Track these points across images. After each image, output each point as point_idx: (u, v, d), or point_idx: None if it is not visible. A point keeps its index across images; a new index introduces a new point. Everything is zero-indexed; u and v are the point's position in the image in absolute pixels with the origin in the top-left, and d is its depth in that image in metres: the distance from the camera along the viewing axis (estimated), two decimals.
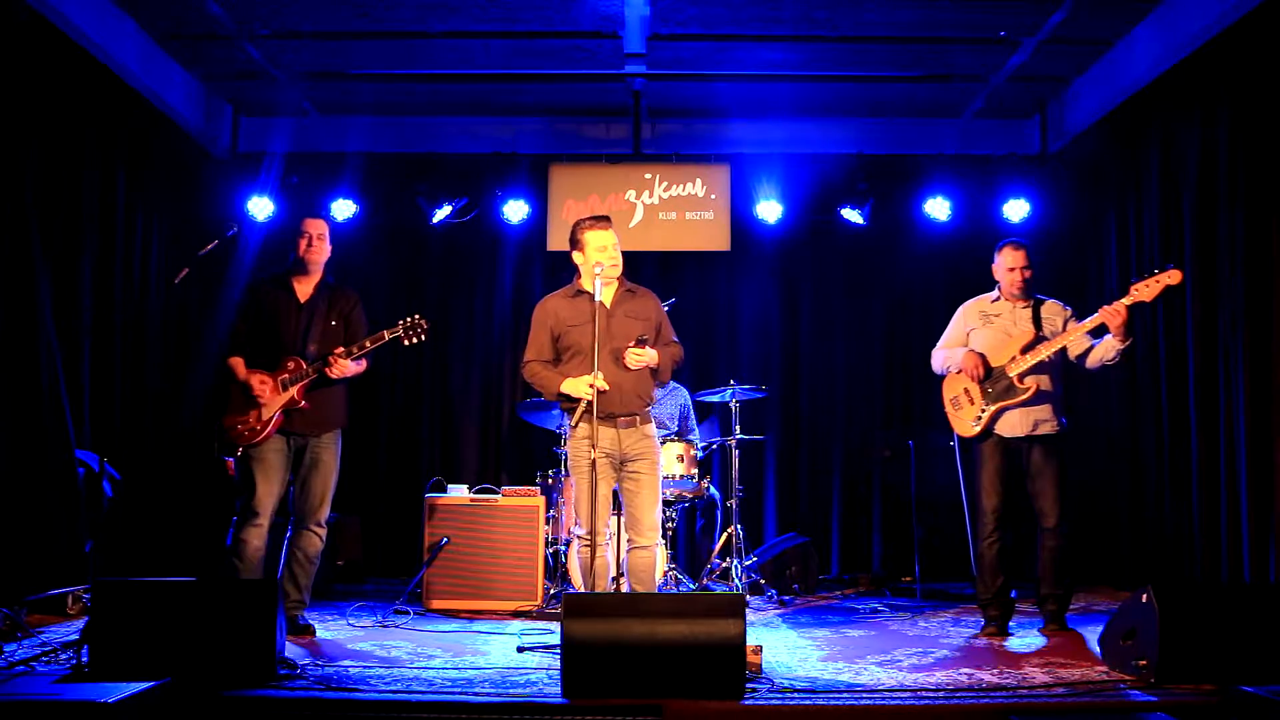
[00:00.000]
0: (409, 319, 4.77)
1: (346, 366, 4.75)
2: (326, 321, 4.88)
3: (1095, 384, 6.39)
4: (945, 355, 5.15)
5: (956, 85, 6.70)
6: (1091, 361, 4.85)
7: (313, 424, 4.80)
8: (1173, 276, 4.53)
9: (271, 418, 4.72)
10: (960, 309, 5.21)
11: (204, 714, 3.40)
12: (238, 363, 4.81)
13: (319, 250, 4.90)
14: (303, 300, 4.89)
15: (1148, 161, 6.14)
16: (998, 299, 5.08)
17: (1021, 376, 4.84)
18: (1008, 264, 5.02)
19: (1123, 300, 4.61)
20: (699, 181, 7.12)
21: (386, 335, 4.76)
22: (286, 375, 4.75)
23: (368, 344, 4.76)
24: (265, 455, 4.71)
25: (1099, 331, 4.79)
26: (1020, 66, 6.32)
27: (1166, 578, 5.78)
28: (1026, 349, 4.85)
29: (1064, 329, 4.90)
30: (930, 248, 7.23)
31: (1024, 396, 4.84)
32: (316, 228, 4.91)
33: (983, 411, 4.92)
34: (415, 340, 4.77)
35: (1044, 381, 4.90)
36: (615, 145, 7.26)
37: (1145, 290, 4.57)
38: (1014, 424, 4.90)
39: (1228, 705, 3.42)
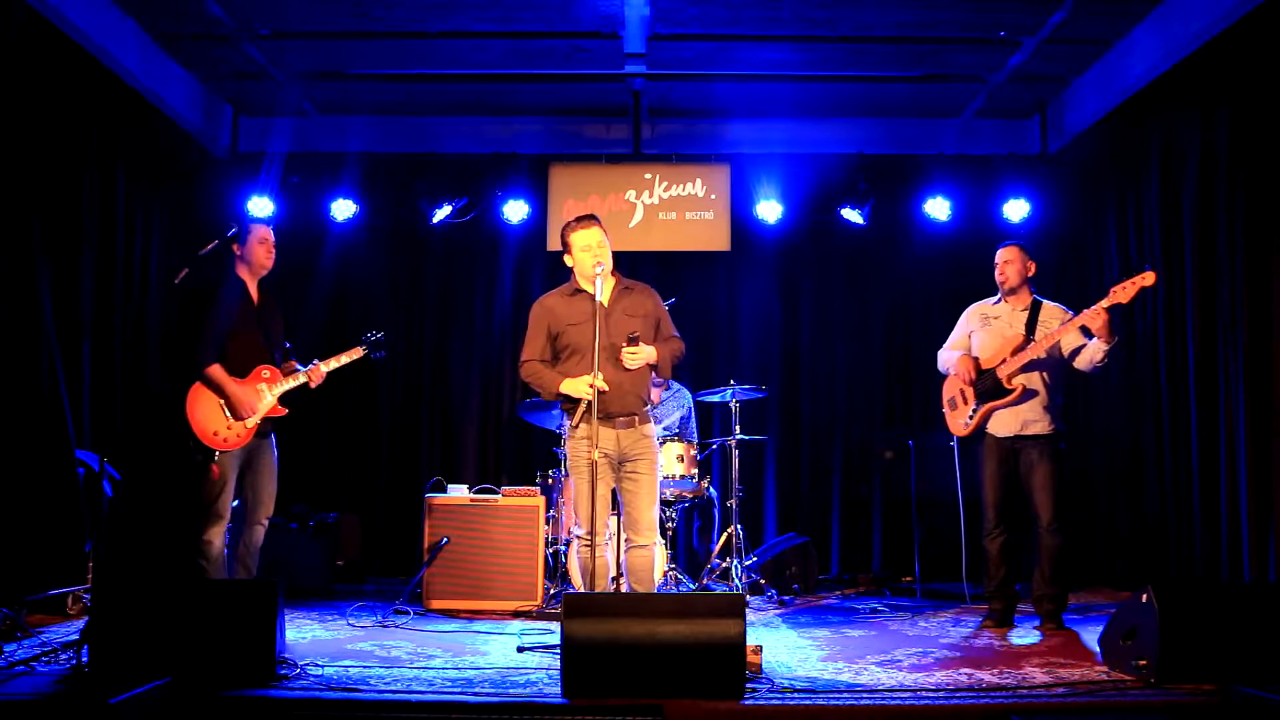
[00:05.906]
0: (372, 335, 5.12)
1: (323, 377, 4.95)
2: (272, 322, 5.02)
3: (1095, 384, 6.39)
4: (945, 358, 5.27)
5: (956, 85, 6.70)
6: (1080, 363, 4.90)
7: (263, 428, 4.89)
8: (1146, 279, 4.62)
9: (254, 426, 4.80)
10: (965, 312, 5.30)
11: (204, 714, 3.40)
12: (219, 371, 4.75)
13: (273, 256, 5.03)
14: (256, 302, 4.97)
15: (1148, 162, 6.14)
16: (998, 301, 5.17)
17: (1010, 377, 4.94)
18: (995, 261, 5.13)
19: (1101, 303, 4.68)
20: (699, 181, 7.11)
21: (359, 352, 5.07)
22: (265, 383, 4.83)
23: (344, 358, 5.02)
24: (225, 460, 4.80)
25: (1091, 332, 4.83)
26: (1020, 66, 6.32)
27: (1166, 577, 5.79)
28: (1016, 351, 4.94)
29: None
30: (930, 248, 7.23)
31: (1010, 397, 4.95)
32: (271, 235, 5.02)
33: (973, 412, 5.01)
34: (378, 355, 5.12)
35: (1033, 382, 4.96)
36: (615, 145, 7.26)
37: (1122, 293, 4.63)
38: (1004, 424, 5.00)
39: (1228, 705, 3.42)
